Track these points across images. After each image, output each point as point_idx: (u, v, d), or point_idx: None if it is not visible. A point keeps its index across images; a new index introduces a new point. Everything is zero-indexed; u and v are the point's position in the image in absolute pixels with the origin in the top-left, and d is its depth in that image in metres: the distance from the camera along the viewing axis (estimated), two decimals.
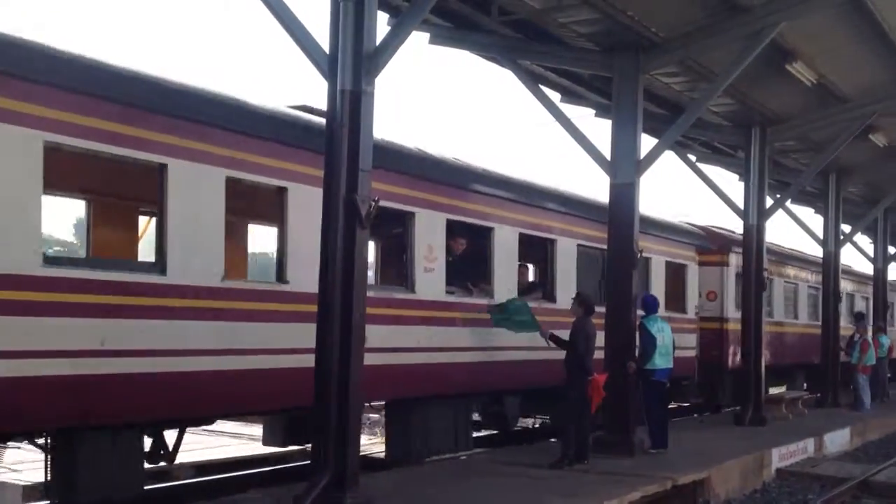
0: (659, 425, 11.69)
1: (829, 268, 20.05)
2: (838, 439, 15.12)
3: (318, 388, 7.31)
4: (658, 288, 15.18)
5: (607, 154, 11.89)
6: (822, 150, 16.94)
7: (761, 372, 15.37)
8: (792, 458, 12.90)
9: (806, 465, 12.86)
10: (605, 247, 12.51)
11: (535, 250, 13.55)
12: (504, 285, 11.91)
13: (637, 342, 11.67)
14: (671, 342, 11.94)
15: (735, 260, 18.41)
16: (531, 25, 11.82)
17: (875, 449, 15.55)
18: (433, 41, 12.08)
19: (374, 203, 7.43)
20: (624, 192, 11.74)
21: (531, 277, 14.36)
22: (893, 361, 25.14)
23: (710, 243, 18.62)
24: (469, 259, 11.89)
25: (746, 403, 15.29)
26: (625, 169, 11.72)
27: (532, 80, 12.76)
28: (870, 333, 20.60)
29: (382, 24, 8.37)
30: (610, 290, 12.02)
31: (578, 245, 13.72)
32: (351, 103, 7.36)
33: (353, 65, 7.32)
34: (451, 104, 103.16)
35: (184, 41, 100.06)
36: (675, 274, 16.74)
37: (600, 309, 11.35)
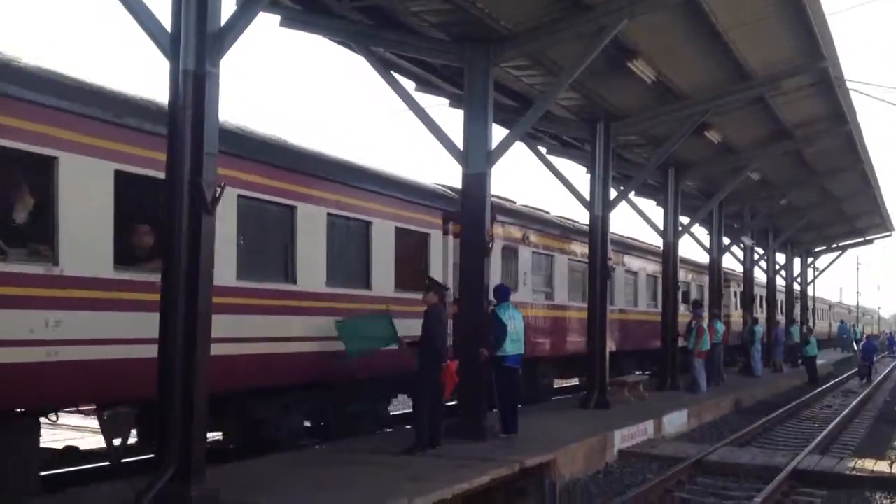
0: (510, 410, 11.93)
1: (669, 257, 20.96)
2: (676, 421, 15.85)
3: (162, 379, 7.05)
4: (382, 261, 12.90)
5: (461, 144, 12.03)
6: (662, 145, 17.72)
7: (605, 357, 15.92)
8: (633, 439, 13.46)
9: (646, 447, 13.41)
10: (427, 230, 12.77)
11: (345, 232, 12.48)
12: (308, 268, 11.23)
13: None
14: (522, 329, 12.21)
15: (502, 232, 16.34)
16: (384, 12, 11.82)
17: (710, 430, 16.38)
18: (284, 24, 11.89)
19: (220, 188, 7.21)
20: (476, 182, 11.90)
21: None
22: (728, 346, 26.71)
23: None
24: (270, 243, 11.14)
25: (591, 388, 15.86)
26: (476, 159, 11.87)
27: (385, 68, 12.75)
28: (706, 320, 21.61)
29: (231, 3, 8.05)
30: (462, 277, 12.16)
31: (398, 228, 13.24)
32: (194, 85, 7.12)
33: (196, 45, 7.09)
34: (305, 88, 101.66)
35: None
36: (411, 245, 13.89)
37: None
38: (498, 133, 12.76)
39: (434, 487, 8.06)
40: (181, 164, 7.13)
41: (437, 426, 10.53)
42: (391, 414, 14.58)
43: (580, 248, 19.26)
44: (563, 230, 19.63)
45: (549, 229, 18.85)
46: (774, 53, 14.84)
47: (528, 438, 11.46)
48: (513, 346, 11.95)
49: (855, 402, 21.99)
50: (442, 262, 14.25)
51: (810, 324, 38.96)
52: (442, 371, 10.42)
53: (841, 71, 16.20)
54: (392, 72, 13.12)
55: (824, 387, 27.32)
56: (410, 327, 11.30)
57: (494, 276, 13.46)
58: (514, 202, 17.91)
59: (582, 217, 17.95)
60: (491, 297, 12.14)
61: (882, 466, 12.24)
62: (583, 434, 12.12)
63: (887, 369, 40.78)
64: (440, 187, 15.24)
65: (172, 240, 7.14)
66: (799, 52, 14.82)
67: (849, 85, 17.13)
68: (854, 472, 11.83)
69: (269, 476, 8.68)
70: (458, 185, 12.49)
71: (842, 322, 63.93)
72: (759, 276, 33.38)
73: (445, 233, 14.36)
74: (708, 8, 12.11)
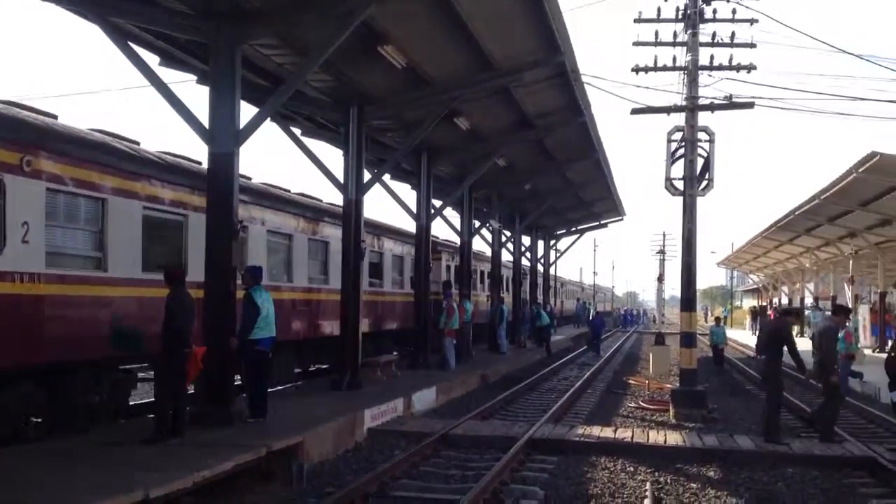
0: (260, 394, 11.81)
1: (422, 239, 21.56)
2: (426, 398, 16.39)
3: None
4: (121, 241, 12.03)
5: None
6: (414, 130, 18.14)
7: (358, 339, 16.12)
8: (383, 417, 13.75)
9: (395, 424, 13.75)
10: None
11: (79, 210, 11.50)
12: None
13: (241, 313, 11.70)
14: (273, 312, 12.10)
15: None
16: None
17: (457, 405, 17.06)
18: None
19: None
20: (223, 162, 11.57)
21: None
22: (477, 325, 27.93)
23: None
24: None
25: (344, 369, 16.01)
26: (223, 138, 11.55)
27: (123, 40, 12.01)
28: (456, 300, 22.39)
29: None
30: (209, 260, 11.78)
31: (145, 207, 12.61)
32: None
33: None
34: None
35: None
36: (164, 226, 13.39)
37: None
38: (250, 113, 12.46)
39: (174, 477, 7.80)
40: None
41: (181, 414, 10.18)
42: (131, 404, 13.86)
43: (328, 229, 19.18)
44: (303, 209, 18.60)
45: (287, 208, 17.73)
46: (516, 46, 15.65)
47: (278, 421, 11.40)
48: (267, 329, 11.85)
49: (588, 374, 23.81)
50: None
51: (552, 302, 41.71)
52: (187, 358, 10.10)
53: (576, 65, 17.36)
54: (133, 44, 12.41)
55: (562, 360, 29.32)
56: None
57: None
58: (250, 178, 16.91)
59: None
60: (240, 280, 11.93)
61: (607, 433, 13.36)
62: (333, 415, 12.20)
63: (618, 343, 44.54)
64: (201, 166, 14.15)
65: None
66: (538, 45, 15.75)
67: (584, 79, 18.39)
68: (583, 439, 12.81)
69: None
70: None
71: (577, 300, 68.86)
72: (507, 257, 35.19)
73: None
74: None
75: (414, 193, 22.25)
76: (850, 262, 36.72)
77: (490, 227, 30.92)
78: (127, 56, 11.74)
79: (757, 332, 12.31)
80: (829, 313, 18.14)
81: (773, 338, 13.14)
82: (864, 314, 34.40)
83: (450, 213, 27.87)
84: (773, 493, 9.97)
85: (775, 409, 13.05)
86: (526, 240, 38.42)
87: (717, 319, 32.68)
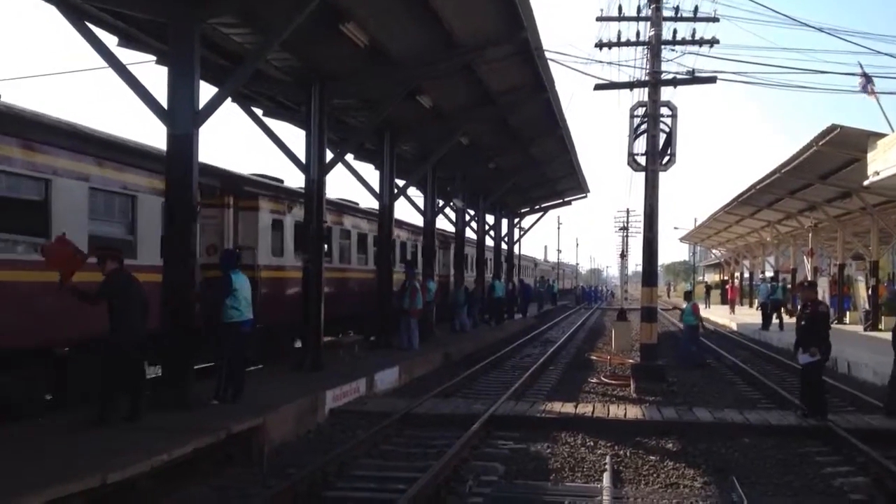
0: (241, 377, 11.94)
1: (385, 219, 21.53)
2: (388, 378, 16.45)
3: None
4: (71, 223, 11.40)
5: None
6: (376, 108, 18.05)
7: (320, 319, 16.08)
8: (345, 398, 13.79)
9: (357, 404, 13.82)
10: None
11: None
12: None
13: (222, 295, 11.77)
14: (250, 295, 12.17)
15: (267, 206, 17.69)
16: None
17: (420, 384, 17.14)
18: None
19: None
20: (182, 143, 11.45)
21: None
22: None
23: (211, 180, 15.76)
24: None
25: (305, 350, 16.00)
26: (183, 119, 11.42)
27: (80, 20, 11.80)
28: (419, 279, 22.39)
29: None
30: (169, 243, 11.71)
31: (92, 188, 12.09)
32: None
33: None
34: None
35: None
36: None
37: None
38: (210, 94, 12.30)
39: (131, 461, 7.78)
40: None
41: (137, 398, 10.13)
42: None
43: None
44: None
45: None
46: (479, 22, 15.63)
47: (239, 404, 11.40)
48: (248, 310, 11.94)
49: (550, 351, 24.04)
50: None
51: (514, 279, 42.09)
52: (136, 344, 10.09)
53: (539, 41, 17.37)
54: (90, 24, 12.19)
55: (525, 338, 29.53)
56: None
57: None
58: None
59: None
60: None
61: (568, 408, 13.56)
62: (294, 396, 12.21)
63: (581, 320, 44.96)
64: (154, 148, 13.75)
65: None
66: (501, 21, 15.73)
67: (547, 55, 18.40)
68: (544, 415, 12.98)
69: None
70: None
71: (542, 277, 69.26)
72: (472, 236, 35.24)
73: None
74: None
75: (377, 174, 22.19)
76: (810, 235, 37.38)
77: (454, 206, 30.95)
78: (84, 37, 11.54)
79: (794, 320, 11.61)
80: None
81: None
82: (823, 286, 34.97)
83: (414, 193, 27.82)
84: (728, 463, 10.23)
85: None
86: (490, 219, 38.52)
87: (688, 294, 28.77)
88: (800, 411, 13.05)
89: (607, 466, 9.86)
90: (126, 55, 13.33)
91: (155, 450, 8.26)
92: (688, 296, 27.53)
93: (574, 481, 9.48)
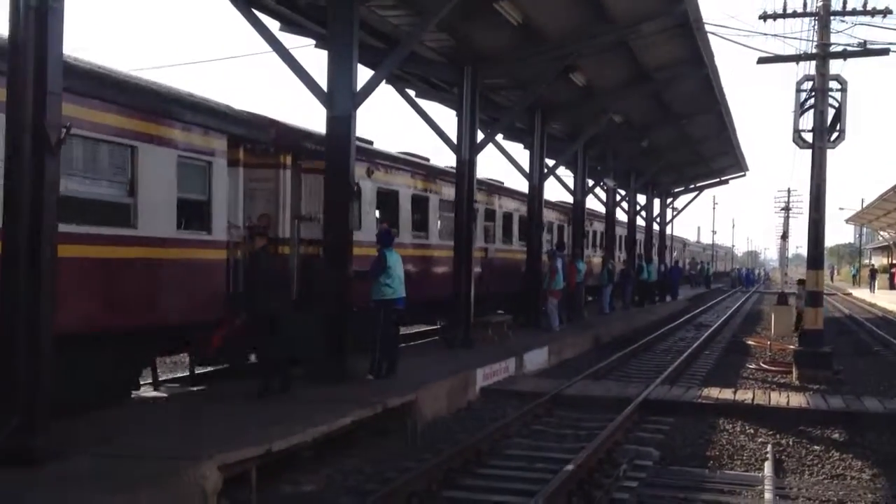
0: (396, 353, 12.29)
1: (535, 199, 21.37)
2: (537, 358, 16.38)
3: (5, 328, 6.79)
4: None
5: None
6: (529, 87, 17.92)
7: (470, 297, 16.19)
8: (495, 376, 13.84)
9: (507, 384, 13.84)
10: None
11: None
12: None
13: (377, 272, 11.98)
14: (402, 273, 12.37)
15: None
16: None
17: (569, 366, 16.94)
18: None
19: (66, 130, 6.92)
20: (341, 125, 11.77)
21: None
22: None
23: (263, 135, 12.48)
24: None
25: (457, 327, 16.16)
26: (341, 101, 11.74)
27: (247, 6, 12.31)
28: (559, 261, 21.42)
29: None
30: (328, 222, 12.07)
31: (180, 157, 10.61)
32: (37, 19, 6.74)
33: None
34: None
35: None
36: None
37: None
38: (366, 76, 12.58)
39: (293, 430, 8.09)
40: (24, 105, 6.80)
41: (285, 370, 10.59)
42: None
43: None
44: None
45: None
46: None
47: (392, 379, 11.66)
48: (401, 288, 12.16)
49: (705, 335, 23.29)
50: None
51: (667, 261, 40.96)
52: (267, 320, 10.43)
53: (699, 14, 16.71)
54: (255, 10, 12.69)
55: (679, 321, 28.74)
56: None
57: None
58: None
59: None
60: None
61: (727, 394, 13.08)
62: (446, 373, 12.36)
63: (738, 304, 43.32)
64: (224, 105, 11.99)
65: (14, 185, 6.81)
66: None
67: (707, 28, 17.74)
68: (700, 401, 12.59)
69: (120, 423, 8.57)
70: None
71: (693, 259, 67.18)
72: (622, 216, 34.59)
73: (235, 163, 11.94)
74: None
75: (527, 153, 22.07)
76: None
77: (604, 186, 30.44)
78: (251, 23, 12.06)
79: None
80: None
81: None
82: None
83: (563, 172, 27.49)
84: None
85: None
86: (641, 198, 37.63)
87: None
88: None
89: (769, 455, 9.48)
90: (285, 40, 13.76)
91: (317, 420, 8.55)
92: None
93: (733, 469, 9.17)
